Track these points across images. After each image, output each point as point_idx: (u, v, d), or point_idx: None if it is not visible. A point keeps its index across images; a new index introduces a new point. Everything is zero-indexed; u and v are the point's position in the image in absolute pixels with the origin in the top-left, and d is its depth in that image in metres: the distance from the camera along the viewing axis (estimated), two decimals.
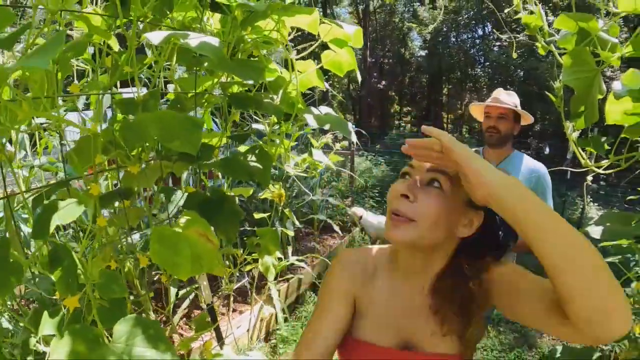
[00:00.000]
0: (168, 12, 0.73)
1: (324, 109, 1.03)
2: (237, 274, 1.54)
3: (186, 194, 0.92)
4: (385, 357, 0.73)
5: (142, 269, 0.82)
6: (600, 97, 0.90)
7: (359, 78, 1.15)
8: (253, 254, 1.38)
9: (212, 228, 0.84)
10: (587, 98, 0.88)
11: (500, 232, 0.71)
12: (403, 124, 19.66)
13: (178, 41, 0.57)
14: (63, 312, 0.50)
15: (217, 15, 0.89)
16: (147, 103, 0.68)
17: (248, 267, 1.48)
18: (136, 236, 1.30)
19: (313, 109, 1.02)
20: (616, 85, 0.86)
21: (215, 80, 0.94)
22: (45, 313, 0.48)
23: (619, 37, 0.90)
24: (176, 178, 1.10)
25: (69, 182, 0.63)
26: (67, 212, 0.51)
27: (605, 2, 0.86)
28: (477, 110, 1.95)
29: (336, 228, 3.84)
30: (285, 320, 2.64)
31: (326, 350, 0.74)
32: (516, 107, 1.81)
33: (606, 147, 0.97)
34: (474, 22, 14.04)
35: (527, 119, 1.86)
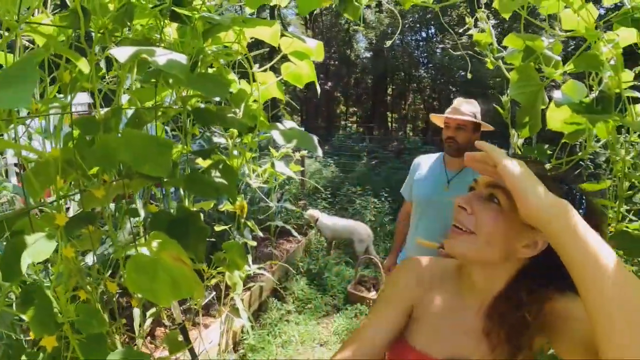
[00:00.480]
0: (128, 23, 0.70)
1: (289, 124, 1.03)
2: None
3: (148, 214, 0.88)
4: None
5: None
6: (543, 107, 0.96)
7: (318, 90, 1.17)
8: (219, 268, 1.35)
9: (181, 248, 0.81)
10: (532, 110, 0.95)
11: None
12: (349, 124, 19.99)
13: (146, 59, 0.55)
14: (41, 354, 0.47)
15: (175, 25, 0.86)
16: (108, 122, 0.65)
17: (213, 281, 1.45)
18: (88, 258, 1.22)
19: (278, 124, 1.02)
20: (557, 94, 0.93)
21: (171, 90, 0.91)
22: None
23: (561, 54, 0.97)
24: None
25: (29, 211, 0.58)
26: (38, 248, 0.47)
27: (550, 23, 0.93)
28: (438, 120, 1.97)
29: (294, 232, 3.86)
30: (252, 328, 2.62)
31: (376, 354, 0.74)
32: (475, 117, 1.82)
33: (548, 152, 1.07)
34: (418, 25, 14.63)
35: (487, 127, 1.88)
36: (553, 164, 1.01)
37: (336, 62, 16.87)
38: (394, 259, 2.23)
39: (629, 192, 0.97)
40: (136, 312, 1.62)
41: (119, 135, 0.64)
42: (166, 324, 1.86)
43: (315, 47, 0.99)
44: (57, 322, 0.49)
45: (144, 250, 0.68)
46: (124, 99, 0.94)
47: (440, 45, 13.77)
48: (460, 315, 0.73)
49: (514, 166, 0.55)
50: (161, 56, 0.57)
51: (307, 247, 4.23)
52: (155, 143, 0.63)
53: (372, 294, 3.36)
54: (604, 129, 0.97)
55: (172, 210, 0.96)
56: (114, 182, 0.80)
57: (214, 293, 2.36)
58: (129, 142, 0.59)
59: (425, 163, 2.00)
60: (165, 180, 0.91)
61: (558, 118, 1.00)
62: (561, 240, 0.51)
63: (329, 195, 6.38)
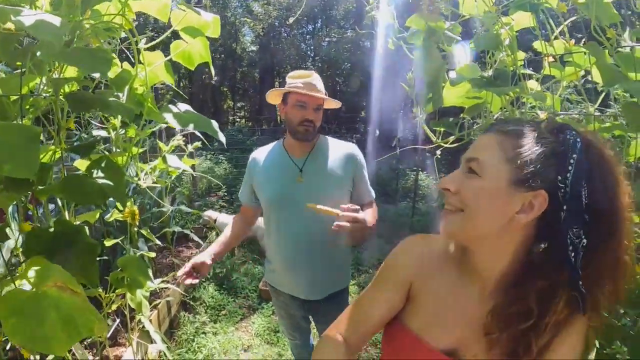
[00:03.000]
0: None
1: (183, 107, 0.91)
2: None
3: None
4: (427, 357, 0.68)
5: None
6: (444, 85, 1.00)
7: (213, 72, 1.05)
8: (118, 290, 1.13)
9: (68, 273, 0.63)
10: (434, 86, 0.98)
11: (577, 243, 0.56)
12: (238, 119, 19.58)
13: (7, 18, 0.38)
14: None
15: None
16: None
17: (114, 306, 1.22)
18: None
19: (171, 106, 0.88)
20: (452, 74, 0.98)
21: (40, 77, 0.71)
22: None
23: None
24: None
25: None
26: None
27: (451, 5, 0.97)
28: (277, 95, 1.55)
29: (194, 237, 3.57)
30: (168, 349, 2.33)
31: (372, 330, 0.76)
32: (325, 93, 1.53)
33: (442, 129, 1.11)
34: (305, 18, 14.82)
35: (333, 104, 1.56)
36: (456, 136, 1.06)
37: (222, 56, 16.28)
38: (206, 258, 1.50)
39: None
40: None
41: None
42: None
43: (212, 21, 0.88)
44: None
45: (25, 285, 0.51)
46: None
47: (327, 39, 14.22)
48: (460, 301, 0.69)
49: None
50: (29, 16, 0.41)
51: None
52: (17, 134, 0.45)
53: None
54: (498, 102, 1.03)
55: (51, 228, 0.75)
56: None
57: (118, 320, 2.03)
58: None
59: (262, 157, 1.60)
60: (38, 189, 0.70)
61: (454, 95, 1.04)
62: None
63: (225, 194, 6.13)
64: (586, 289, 0.56)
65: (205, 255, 1.51)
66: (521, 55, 0.99)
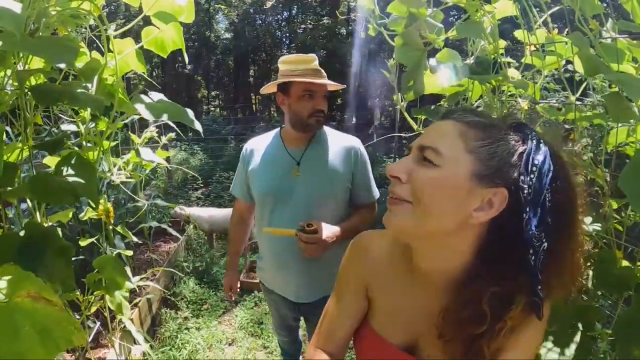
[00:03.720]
0: None
1: (156, 96, 0.88)
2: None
3: None
4: (388, 355, 0.67)
5: None
6: (426, 72, 0.97)
7: (187, 59, 1.02)
8: (96, 292, 1.09)
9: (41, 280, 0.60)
10: (415, 73, 0.96)
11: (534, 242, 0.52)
12: (212, 109, 19.21)
13: None
14: None
15: None
16: None
17: (94, 308, 1.17)
18: None
19: (143, 96, 0.84)
20: (432, 61, 0.96)
21: (7, 71, 0.65)
22: None
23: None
24: None
25: None
26: None
27: None
28: (274, 87, 1.49)
29: (172, 231, 3.49)
30: (152, 348, 2.29)
31: (346, 337, 0.75)
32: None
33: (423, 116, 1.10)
34: (280, 5, 14.52)
35: (337, 87, 1.47)
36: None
37: (196, 44, 15.86)
38: (235, 274, 1.71)
39: None
40: None
41: None
42: None
43: (185, 5, 0.85)
44: None
45: None
46: None
47: (302, 26, 14.02)
48: (413, 297, 0.66)
49: None
50: None
51: (188, 245, 3.90)
52: None
53: None
54: (479, 90, 1.03)
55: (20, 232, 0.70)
56: None
57: (99, 323, 1.95)
58: None
59: (259, 148, 1.50)
60: (6, 190, 0.66)
61: (433, 82, 1.03)
62: None
63: (201, 185, 6.03)
64: (543, 294, 0.53)
65: (230, 274, 1.71)
66: (502, 43, 0.99)
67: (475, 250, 0.57)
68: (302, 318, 1.66)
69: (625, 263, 0.75)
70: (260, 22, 14.50)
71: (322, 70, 1.38)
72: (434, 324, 0.60)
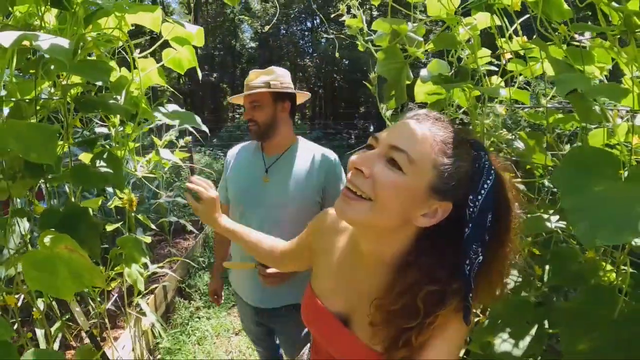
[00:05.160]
0: (10, 8, 0.65)
1: (171, 107, 1.05)
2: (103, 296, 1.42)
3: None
4: (324, 320, 0.74)
5: None
6: (409, 82, 1.06)
7: (200, 75, 1.20)
8: (116, 268, 1.29)
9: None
10: (397, 84, 1.04)
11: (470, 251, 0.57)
12: (237, 116, 19.64)
13: (30, 43, 0.53)
14: None
15: (54, 11, 0.81)
16: None
17: (113, 284, 1.37)
18: None
19: (160, 107, 1.03)
20: (423, 72, 1.06)
21: (49, 82, 0.86)
22: None
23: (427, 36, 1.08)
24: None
25: None
26: None
27: (415, 10, 1.04)
28: (238, 101, 1.53)
29: (190, 227, 3.73)
30: (165, 330, 2.50)
31: (282, 252, 0.96)
32: (270, 85, 1.40)
33: None
34: (303, 15, 14.88)
35: (301, 94, 1.53)
36: None
37: (221, 53, 16.36)
38: (219, 280, 1.78)
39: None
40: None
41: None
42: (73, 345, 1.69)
43: (195, 32, 1.01)
44: None
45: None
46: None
47: (325, 35, 14.32)
48: (354, 272, 0.72)
49: None
50: (44, 41, 0.55)
51: (205, 242, 4.12)
52: (41, 131, 0.60)
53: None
54: (463, 98, 1.09)
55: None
56: None
57: (117, 295, 2.17)
58: (15, 131, 0.56)
59: (241, 152, 1.58)
60: (50, 177, 0.85)
61: (422, 91, 1.13)
62: None
63: None
64: (473, 300, 0.58)
65: (215, 279, 1.80)
66: (486, 52, 1.05)
67: (413, 242, 0.63)
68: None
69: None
70: (284, 31, 14.87)
71: (250, 84, 1.42)
72: (368, 306, 0.64)
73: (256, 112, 1.41)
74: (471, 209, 0.56)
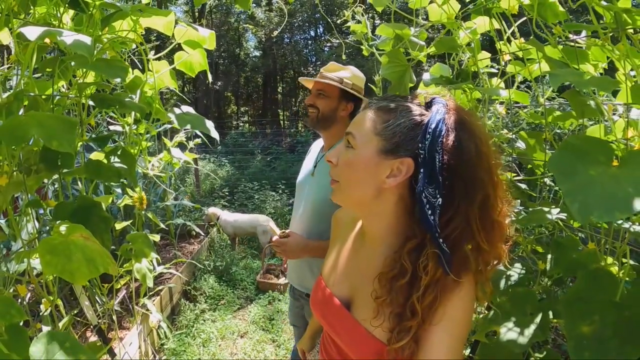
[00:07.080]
0: (31, 7, 0.69)
1: (185, 108, 1.08)
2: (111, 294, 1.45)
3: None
4: (329, 306, 0.76)
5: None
6: (411, 85, 1.08)
7: (210, 78, 1.23)
8: (125, 265, 1.31)
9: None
10: (400, 86, 1.07)
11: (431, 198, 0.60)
12: (241, 124, 19.78)
13: (55, 38, 0.57)
14: None
15: (70, 13, 0.85)
16: (11, 106, 0.64)
17: (123, 281, 1.40)
18: None
19: (175, 108, 1.05)
20: (425, 75, 1.10)
21: (66, 81, 0.90)
22: None
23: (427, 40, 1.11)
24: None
25: None
26: None
27: (417, 15, 1.08)
28: (308, 84, 1.60)
29: (197, 230, 3.76)
30: (170, 331, 2.53)
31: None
32: (342, 82, 1.45)
33: None
34: (307, 24, 15.02)
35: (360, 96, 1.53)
36: None
37: (226, 61, 16.51)
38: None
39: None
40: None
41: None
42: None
43: (208, 36, 1.04)
44: None
45: None
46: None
47: (328, 44, 14.47)
48: (361, 258, 0.76)
49: None
50: (68, 37, 0.59)
51: (210, 246, 4.15)
52: (62, 121, 0.64)
53: (282, 280, 3.44)
54: (465, 99, 1.12)
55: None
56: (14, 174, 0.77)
57: (125, 293, 2.19)
58: (37, 120, 0.59)
59: (313, 147, 1.69)
60: (65, 170, 0.89)
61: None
62: None
63: (227, 194, 6.31)
64: (450, 249, 0.60)
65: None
66: (485, 55, 1.10)
67: (398, 210, 0.67)
68: None
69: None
70: (287, 40, 15.01)
71: (324, 73, 1.48)
72: (369, 286, 0.68)
73: (319, 100, 1.47)
74: (421, 156, 0.61)
